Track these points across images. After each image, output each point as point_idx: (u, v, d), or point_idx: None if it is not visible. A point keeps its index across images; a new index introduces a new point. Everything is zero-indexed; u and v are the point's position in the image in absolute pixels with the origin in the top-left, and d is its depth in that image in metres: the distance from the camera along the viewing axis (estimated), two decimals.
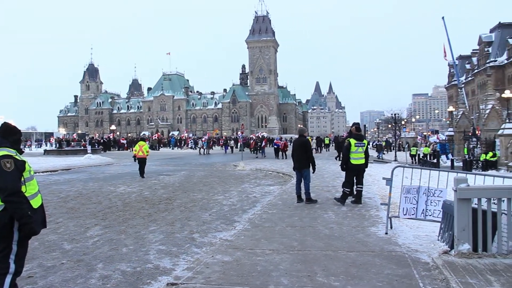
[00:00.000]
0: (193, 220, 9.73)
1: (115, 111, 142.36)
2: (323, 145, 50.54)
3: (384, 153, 46.25)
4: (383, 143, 51.95)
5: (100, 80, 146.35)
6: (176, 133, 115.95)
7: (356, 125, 11.66)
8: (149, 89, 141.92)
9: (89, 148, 42.82)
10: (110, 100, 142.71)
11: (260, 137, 56.47)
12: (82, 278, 5.71)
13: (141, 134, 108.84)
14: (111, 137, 70.18)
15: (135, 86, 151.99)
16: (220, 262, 6.07)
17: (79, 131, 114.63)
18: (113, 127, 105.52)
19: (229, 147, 49.66)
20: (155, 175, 20.83)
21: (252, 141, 47.51)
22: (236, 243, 7.15)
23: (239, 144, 42.46)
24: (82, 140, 61.33)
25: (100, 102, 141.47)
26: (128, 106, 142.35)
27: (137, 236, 8.06)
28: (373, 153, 45.11)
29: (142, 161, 19.95)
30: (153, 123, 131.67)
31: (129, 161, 33.31)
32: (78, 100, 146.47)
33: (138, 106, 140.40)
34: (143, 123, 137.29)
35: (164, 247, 7.31)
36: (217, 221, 9.57)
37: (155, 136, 71.75)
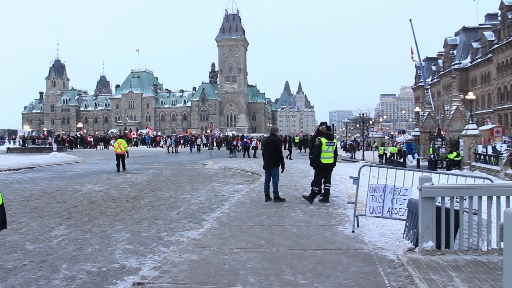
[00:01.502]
0: (161, 219, 9.63)
1: (82, 109, 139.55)
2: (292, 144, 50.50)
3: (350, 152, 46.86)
4: (355, 143, 52.53)
5: (67, 76, 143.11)
6: (144, 131, 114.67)
7: (324, 124, 11.76)
8: (117, 86, 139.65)
9: (54, 146, 41.83)
10: (77, 97, 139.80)
11: (232, 136, 56.19)
12: (45, 279, 5.57)
13: (109, 132, 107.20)
14: (78, 134, 68.82)
15: (103, 83, 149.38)
16: (187, 261, 6.02)
17: (45, 129, 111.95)
18: (80, 124, 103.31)
19: (195, 146, 48.33)
20: (122, 173, 20.55)
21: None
22: (204, 242, 7.11)
23: (209, 143, 42.37)
24: (49, 138, 59.79)
25: (66, 99, 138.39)
26: (95, 103, 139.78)
27: (103, 236, 7.92)
28: (341, 152, 45.67)
29: (121, 157, 21.82)
30: (121, 121, 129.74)
31: (96, 159, 32.83)
32: (43, 97, 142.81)
33: (106, 104, 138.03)
34: (111, 121, 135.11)
35: (131, 246, 7.21)
36: (185, 220, 9.51)
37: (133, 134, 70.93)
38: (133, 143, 62.59)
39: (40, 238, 7.78)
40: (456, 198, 6.14)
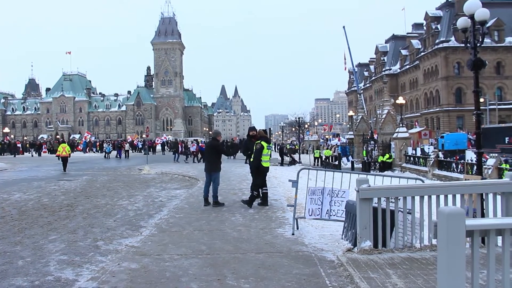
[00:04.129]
0: (97, 227, 9.30)
1: (8, 113, 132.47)
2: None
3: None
4: (295, 147, 53.05)
5: None
6: (77, 136, 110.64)
7: (253, 129, 12.04)
8: (47, 89, 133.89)
9: None
10: (3, 100, 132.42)
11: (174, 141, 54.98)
12: None
13: (39, 138, 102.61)
14: (5, 140, 65.24)
15: (32, 86, 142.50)
16: (127, 269, 5.85)
17: None
18: (6, 129, 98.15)
19: (122, 152, 43.84)
20: (54, 180, 19.67)
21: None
22: (143, 249, 6.94)
23: (145, 147, 41.35)
24: None
25: None
26: (24, 107, 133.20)
27: (35, 247, 7.52)
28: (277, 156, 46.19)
29: (65, 159, 25.13)
30: (52, 126, 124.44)
31: (25, 166, 31.20)
32: None
33: (35, 108, 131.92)
34: (41, 125, 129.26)
35: (66, 257, 6.89)
36: (122, 227, 9.23)
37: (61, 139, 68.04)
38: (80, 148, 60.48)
39: None
40: (391, 199, 6.38)
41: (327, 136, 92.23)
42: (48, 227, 9.22)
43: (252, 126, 12.93)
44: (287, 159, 36.48)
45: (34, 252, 7.16)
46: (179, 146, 40.20)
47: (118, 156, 42.89)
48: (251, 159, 11.23)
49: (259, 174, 11.08)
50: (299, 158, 41.39)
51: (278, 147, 48.21)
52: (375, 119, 41.28)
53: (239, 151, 41.38)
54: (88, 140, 68.54)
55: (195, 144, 37.08)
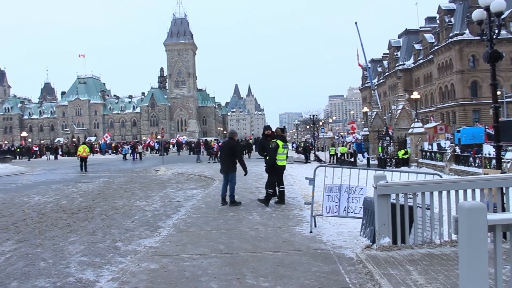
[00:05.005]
0: (116, 228, 9.38)
1: (26, 117, 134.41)
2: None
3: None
4: (310, 145, 52.76)
5: (8, 84, 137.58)
6: (93, 138, 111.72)
7: (268, 128, 12.09)
8: (63, 93, 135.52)
9: None
10: (19, 105, 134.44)
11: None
12: None
13: (56, 141, 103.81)
14: (22, 144, 66.13)
15: (47, 90, 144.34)
16: (146, 270, 5.89)
17: None
18: (24, 133, 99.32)
19: (136, 154, 43.28)
20: (72, 182, 19.90)
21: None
22: (162, 250, 6.98)
23: (161, 148, 41.48)
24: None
25: (8, 108, 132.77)
26: (40, 111, 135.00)
27: (56, 249, 7.62)
28: (293, 154, 46.11)
29: (84, 159, 27.91)
30: (68, 129, 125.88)
31: (43, 169, 31.63)
32: None
33: (51, 111, 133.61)
34: (57, 128, 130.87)
35: (86, 258, 6.96)
36: (141, 228, 9.30)
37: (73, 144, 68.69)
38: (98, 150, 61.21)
39: None
40: (410, 195, 6.33)
41: (341, 133, 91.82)
42: (67, 229, 9.33)
43: (267, 125, 12.94)
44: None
45: (55, 254, 7.25)
46: (201, 146, 39.88)
47: (132, 158, 43.04)
48: (267, 158, 11.22)
49: (274, 172, 11.07)
50: (315, 156, 41.29)
51: (302, 145, 47.68)
52: (390, 114, 40.94)
53: (254, 151, 41.44)
54: (108, 141, 69.13)
55: (216, 144, 37.08)
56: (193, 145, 51.31)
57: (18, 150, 55.30)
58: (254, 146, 42.81)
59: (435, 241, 6.29)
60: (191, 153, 49.75)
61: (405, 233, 6.24)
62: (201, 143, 42.97)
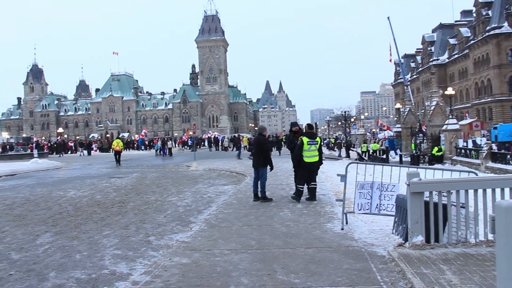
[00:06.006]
0: (148, 222, 9.54)
1: (62, 113, 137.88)
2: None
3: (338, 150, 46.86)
4: (342, 141, 52.21)
5: (45, 81, 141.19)
6: (126, 134, 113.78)
7: (295, 125, 12.04)
8: (97, 90, 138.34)
9: (35, 152, 41.15)
10: (56, 102, 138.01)
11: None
12: None
13: (90, 137, 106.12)
14: (58, 140, 67.90)
15: (82, 87, 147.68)
16: (178, 264, 5.97)
17: (24, 135, 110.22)
18: (60, 129, 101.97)
19: (166, 149, 43.60)
20: (106, 178, 20.32)
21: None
22: (194, 245, 7.06)
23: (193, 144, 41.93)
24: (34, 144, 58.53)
25: (45, 104, 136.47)
26: (75, 108, 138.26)
27: (91, 242, 7.81)
28: (325, 150, 45.78)
29: (118, 153, 30.23)
30: (102, 125, 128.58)
31: (79, 164, 32.43)
32: (21, 103, 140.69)
33: (86, 108, 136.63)
34: (91, 125, 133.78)
35: (120, 251, 7.12)
36: (173, 223, 9.43)
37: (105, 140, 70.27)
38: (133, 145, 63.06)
39: (26, 246, 7.62)
40: (444, 192, 6.21)
41: (373, 130, 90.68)
42: (101, 223, 9.55)
43: (294, 121, 12.94)
44: (353, 154, 36.32)
45: (90, 247, 7.43)
46: (240, 142, 39.94)
47: (162, 154, 43.39)
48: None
49: (301, 169, 11.00)
50: (346, 152, 40.95)
51: (344, 143, 46.98)
52: (423, 111, 40.18)
53: (285, 147, 41.31)
54: (145, 138, 70.49)
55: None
56: (227, 139, 52.22)
57: (54, 146, 56.67)
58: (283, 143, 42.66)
59: (470, 240, 6.14)
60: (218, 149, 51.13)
61: (439, 232, 6.12)
62: (240, 138, 43.17)
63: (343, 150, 41.75)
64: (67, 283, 5.63)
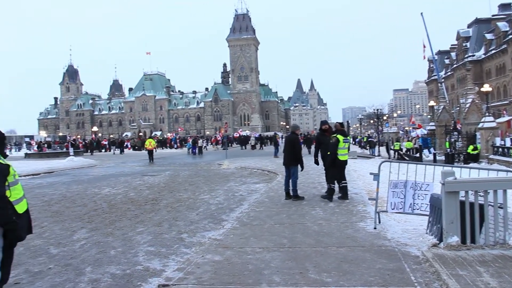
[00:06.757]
0: (181, 220, 9.66)
1: (96, 113, 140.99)
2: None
3: (370, 149, 46.31)
4: (374, 140, 51.51)
5: (80, 81, 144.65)
6: (158, 133, 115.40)
7: (325, 123, 12.01)
8: (130, 89, 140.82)
9: (71, 150, 42.21)
10: (91, 101, 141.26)
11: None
12: (70, 282, 5.62)
13: (123, 135, 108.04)
14: (93, 138, 69.44)
15: (116, 87, 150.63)
16: (210, 261, 6.03)
17: (60, 134, 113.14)
18: (95, 128, 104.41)
19: (196, 148, 43.17)
20: (139, 175, 20.67)
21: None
22: (226, 242, 7.11)
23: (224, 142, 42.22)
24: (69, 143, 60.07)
25: (80, 104, 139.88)
26: (109, 107, 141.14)
27: (125, 238, 7.97)
28: (356, 149, 45.34)
29: (151, 152, 32.05)
30: (135, 124, 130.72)
31: (112, 162, 33.11)
32: (58, 102, 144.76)
33: (119, 107, 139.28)
34: (125, 123, 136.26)
35: (153, 248, 7.23)
36: (205, 221, 9.52)
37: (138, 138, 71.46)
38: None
39: (63, 242, 7.85)
40: (480, 192, 6.06)
41: (406, 128, 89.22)
42: (135, 220, 9.72)
43: (323, 120, 12.85)
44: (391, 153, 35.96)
45: (124, 243, 7.58)
46: (277, 140, 39.77)
47: (192, 152, 43.48)
48: (328, 153, 11.08)
49: (335, 167, 10.94)
50: (379, 151, 40.45)
51: (385, 143, 46.33)
52: (458, 108, 39.28)
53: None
54: (178, 136, 71.46)
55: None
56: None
57: (88, 144, 58.07)
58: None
59: (509, 242, 5.97)
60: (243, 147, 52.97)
61: (475, 233, 5.98)
62: (278, 137, 43.41)
63: (383, 149, 41.08)
64: (103, 278, 5.76)
